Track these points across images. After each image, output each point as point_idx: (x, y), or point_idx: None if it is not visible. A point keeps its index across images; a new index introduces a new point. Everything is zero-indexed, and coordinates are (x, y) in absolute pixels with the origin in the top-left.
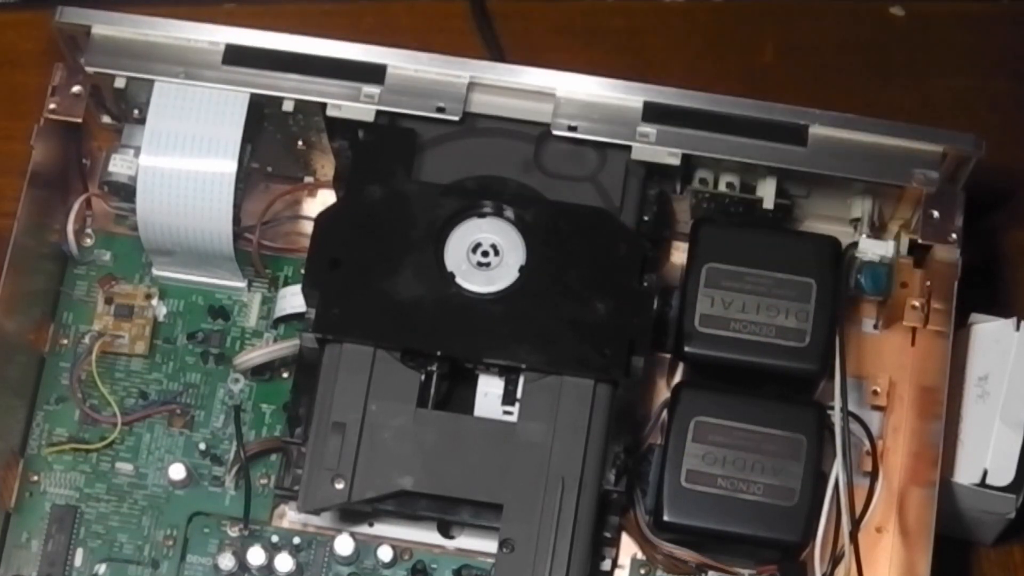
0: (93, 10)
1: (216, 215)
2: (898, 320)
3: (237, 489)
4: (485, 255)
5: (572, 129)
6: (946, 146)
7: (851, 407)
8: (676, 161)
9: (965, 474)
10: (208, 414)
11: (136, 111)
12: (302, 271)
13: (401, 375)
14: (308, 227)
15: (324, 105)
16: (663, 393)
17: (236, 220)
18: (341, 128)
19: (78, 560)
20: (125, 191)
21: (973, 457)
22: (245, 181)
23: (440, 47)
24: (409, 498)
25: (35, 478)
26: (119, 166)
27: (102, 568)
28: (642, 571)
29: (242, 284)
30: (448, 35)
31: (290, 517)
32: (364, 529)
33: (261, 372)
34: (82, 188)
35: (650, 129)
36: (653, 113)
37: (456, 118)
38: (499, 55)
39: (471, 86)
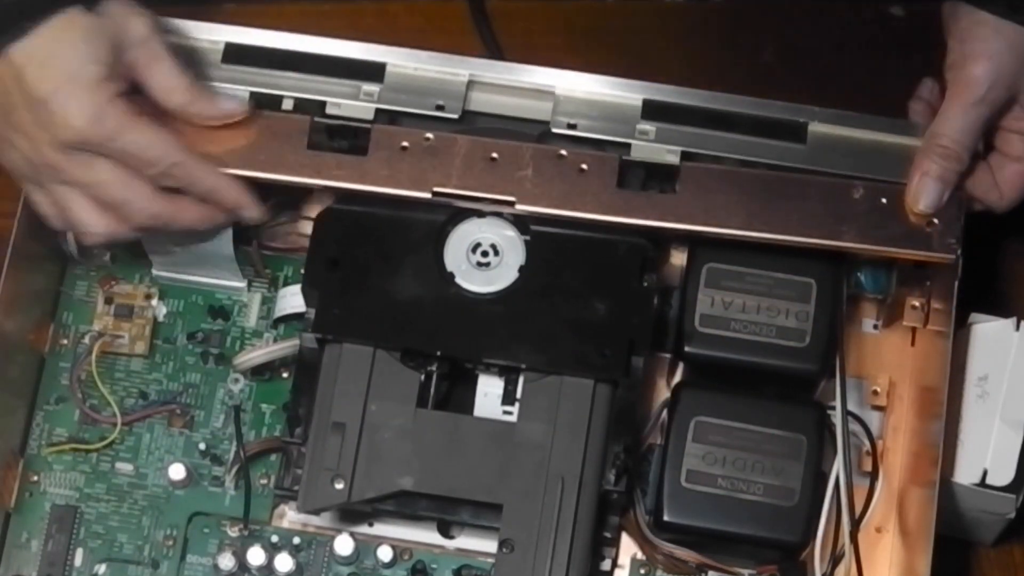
0: None
1: None
2: (898, 320)
3: (237, 489)
4: (485, 255)
5: (571, 127)
6: None
7: (851, 407)
8: (675, 159)
9: (965, 474)
10: (208, 414)
11: None
12: (302, 271)
13: (401, 375)
14: (308, 227)
15: (324, 103)
16: (663, 393)
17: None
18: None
19: (78, 560)
20: None
21: (973, 457)
22: None
23: (439, 46)
24: (409, 498)
25: (35, 478)
26: None
27: (102, 568)
28: (642, 571)
29: (242, 284)
30: (447, 35)
31: (290, 517)
32: (364, 529)
33: (261, 372)
34: None
35: (649, 127)
36: (652, 111)
37: (455, 116)
38: (498, 55)
39: (470, 84)
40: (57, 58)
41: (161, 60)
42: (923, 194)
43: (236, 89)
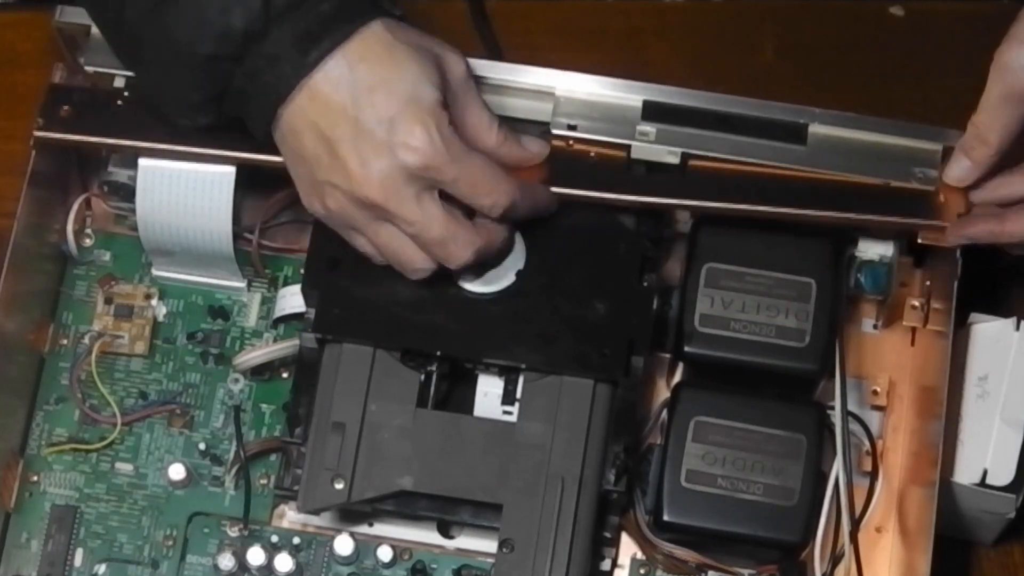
0: None
1: (216, 215)
2: (898, 320)
3: (237, 489)
4: None
5: (571, 128)
6: (945, 145)
7: (851, 407)
8: (676, 160)
9: (965, 474)
10: (208, 414)
11: None
12: (302, 271)
13: (401, 375)
14: (308, 227)
15: None
16: (663, 393)
17: (236, 220)
18: None
19: (78, 560)
20: (125, 191)
21: (973, 457)
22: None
23: None
24: (409, 498)
25: (35, 478)
26: (119, 166)
27: (102, 568)
28: (642, 571)
29: (242, 284)
30: (447, 35)
31: (290, 517)
32: (364, 529)
33: (261, 372)
34: (82, 188)
35: (649, 128)
36: (652, 112)
37: None
38: (498, 55)
39: None
40: (391, 82)
41: (476, 99)
42: (949, 165)
43: None
